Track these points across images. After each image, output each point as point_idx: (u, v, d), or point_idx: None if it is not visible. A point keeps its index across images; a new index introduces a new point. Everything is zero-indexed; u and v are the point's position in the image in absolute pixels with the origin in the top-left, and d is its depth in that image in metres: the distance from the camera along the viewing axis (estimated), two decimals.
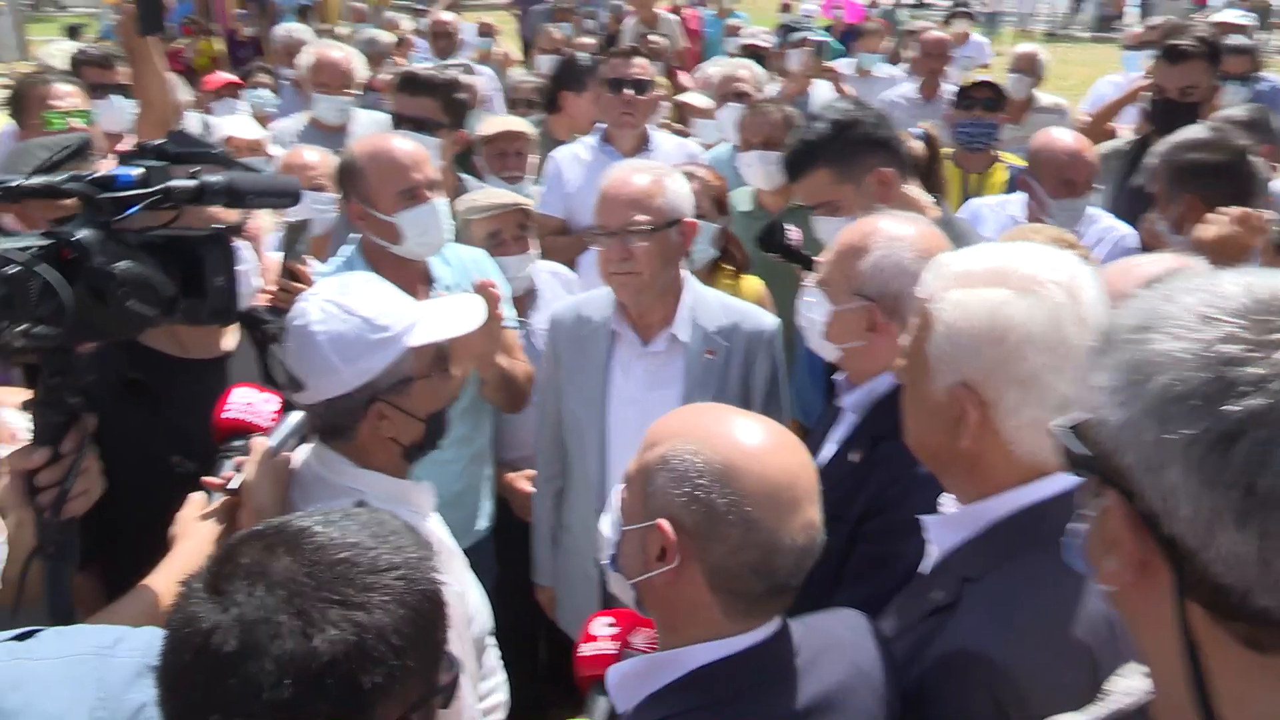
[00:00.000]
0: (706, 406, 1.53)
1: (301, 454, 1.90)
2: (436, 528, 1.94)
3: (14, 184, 1.48)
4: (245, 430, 1.89)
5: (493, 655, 2.06)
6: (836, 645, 1.45)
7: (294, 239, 2.53)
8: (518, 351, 2.89)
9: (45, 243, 1.41)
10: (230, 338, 2.28)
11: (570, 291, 3.31)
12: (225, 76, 6.42)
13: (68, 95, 3.53)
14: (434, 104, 3.68)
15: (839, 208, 2.62)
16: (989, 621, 1.38)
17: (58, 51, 4.77)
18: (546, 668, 3.51)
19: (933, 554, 1.59)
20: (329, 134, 4.54)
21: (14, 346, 1.34)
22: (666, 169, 2.59)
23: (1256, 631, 0.84)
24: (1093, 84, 6.66)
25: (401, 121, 3.64)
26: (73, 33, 11.98)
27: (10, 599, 1.53)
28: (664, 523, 1.32)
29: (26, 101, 3.60)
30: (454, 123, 3.83)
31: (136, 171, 1.50)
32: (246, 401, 1.92)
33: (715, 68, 5.90)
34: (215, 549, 1.15)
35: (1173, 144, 3.05)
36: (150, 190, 1.49)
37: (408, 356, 1.80)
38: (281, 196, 1.72)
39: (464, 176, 3.89)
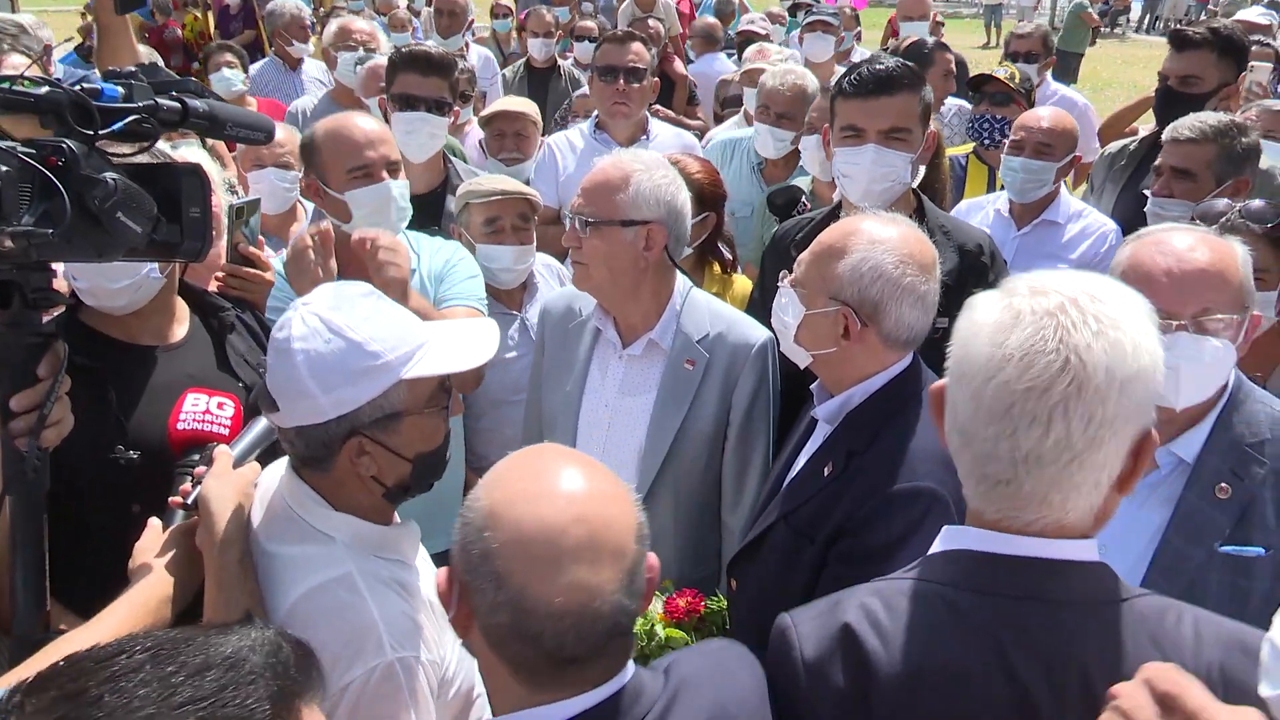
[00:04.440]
0: (550, 447, 1.37)
1: (274, 473, 1.72)
2: (424, 576, 1.73)
3: None
4: (204, 441, 1.78)
5: (480, 705, 1.83)
6: (693, 687, 1.32)
7: (242, 219, 2.41)
8: None
9: (29, 150, 1.35)
10: (181, 326, 2.18)
11: (562, 285, 3.19)
12: None
13: (20, 67, 3.42)
14: (445, 84, 3.58)
15: (910, 143, 2.59)
16: (815, 607, 1.40)
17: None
18: None
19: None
20: (351, 105, 4.51)
21: (3, 248, 1.30)
22: (653, 165, 2.40)
23: None
24: (1096, 76, 6.54)
25: (415, 102, 3.51)
26: None
27: None
28: (441, 572, 1.27)
29: None
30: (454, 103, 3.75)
31: (120, 89, 1.45)
32: (201, 410, 1.82)
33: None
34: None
35: None
36: (136, 106, 1.44)
37: (399, 389, 1.57)
38: (256, 130, 1.66)
39: (453, 159, 3.79)
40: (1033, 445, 1.21)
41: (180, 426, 1.80)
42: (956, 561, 1.33)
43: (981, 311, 1.28)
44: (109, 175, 1.39)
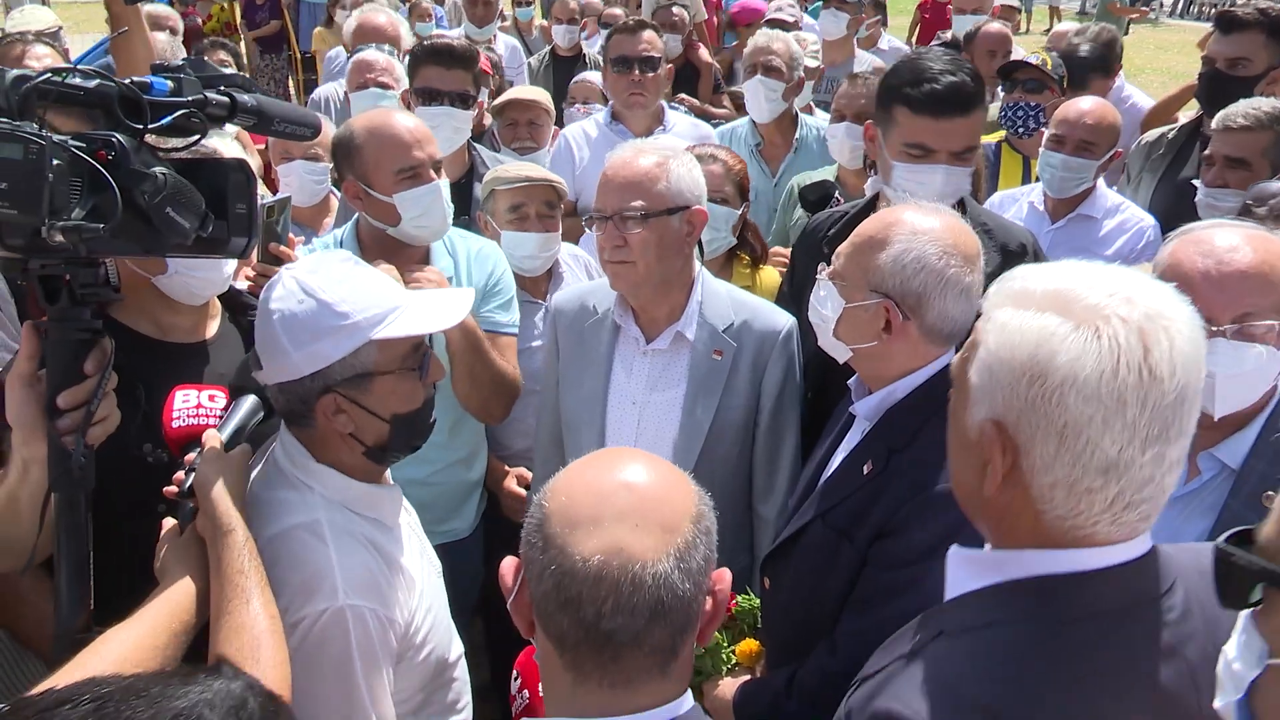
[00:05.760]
0: (630, 449, 1.35)
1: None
2: (405, 542, 1.79)
3: (43, 80, 1.36)
4: (200, 435, 1.76)
5: (458, 687, 1.88)
6: None
7: (275, 217, 2.38)
8: (510, 354, 2.72)
9: (79, 144, 1.34)
10: (213, 323, 2.16)
11: (591, 277, 3.15)
12: None
13: (44, 57, 3.42)
14: (468, 76, 3.53)
15: (975, 157, 2.44)
16: (923, 684, 1.21)
17: (30, 15, 4.66)
18: None
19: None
20: None
21: (53, 243, 1.29)
22: (677, 151, 2.38)
23: None
24: (1129, 63, 6.32)
25: (439, 96, 3.46)
26: None
27: (27, 539, 1.50)
28: (509, 560, 1.25)
29: (2, 61, 3.49)
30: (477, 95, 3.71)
31: (169, 83, 1.45)
32: (194, 405, 1.80)
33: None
34: None
35: None
36: (185, 100, 1.44)
37: (370, 349, 1.64)
38: (304, 126, 1.69)
39: (477, 147, 3.76)
40: (1179, 452, 1.17)
41: (175, 424, 1.78)
42: (1045, 593, 1.21)
43: (1068, 350, 1.15)
44: (158, 170, 1.39)
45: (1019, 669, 1.18)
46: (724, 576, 1.23)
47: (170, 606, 1.52)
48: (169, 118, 1.42)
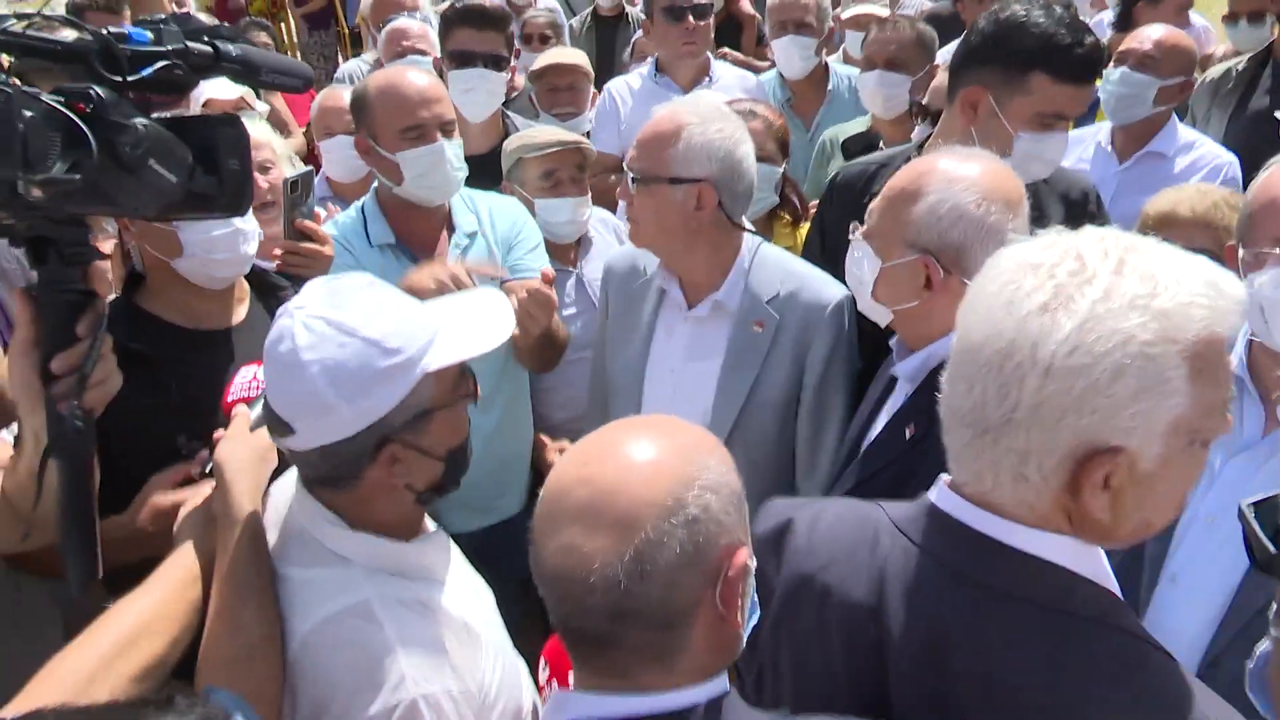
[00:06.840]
0: (645, 417, 1.32)
1: (286, 486, 1.58)
2: (455, 590, 1.58)
3: (10, 29, 1.32)
4: None
5: None
6: None
7: (299, 192, 2.35)
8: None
9: (56, 96, 1.28)
10: (242, 307, 2.15)
11: (621, 242, 3.07)
12: None
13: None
14: (501, 38, 3.52)
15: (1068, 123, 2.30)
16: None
17: None
18: None
19: None
20: None
21: (31, 199, 1.23)
22: (712, 118, 2.19)
23: None
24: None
25: (472, 59, 3.45)
26: None
27: (28, 501, 1.44)
28: None
29: None
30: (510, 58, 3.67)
31: (149, 34, 1.38)
32: (249, 379, 1.72)
33: None
34: None
35: None
36: (166, 50, 1.37)
37: (427, 383, 1.42)
38: (294, 77, 1.58)
39: (510, 115, 3.71)
40: (957, 401, 1.13)
41: (230, 399, 1.74)
42: (917, 503, 1.26)
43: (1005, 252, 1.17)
44: (139, 121, 1.32)
45: (836, 528, 1.31)
46: (739, 558, 1.13)
47: (182, 574, 1.45)
48: (150, 69, 1.35)
